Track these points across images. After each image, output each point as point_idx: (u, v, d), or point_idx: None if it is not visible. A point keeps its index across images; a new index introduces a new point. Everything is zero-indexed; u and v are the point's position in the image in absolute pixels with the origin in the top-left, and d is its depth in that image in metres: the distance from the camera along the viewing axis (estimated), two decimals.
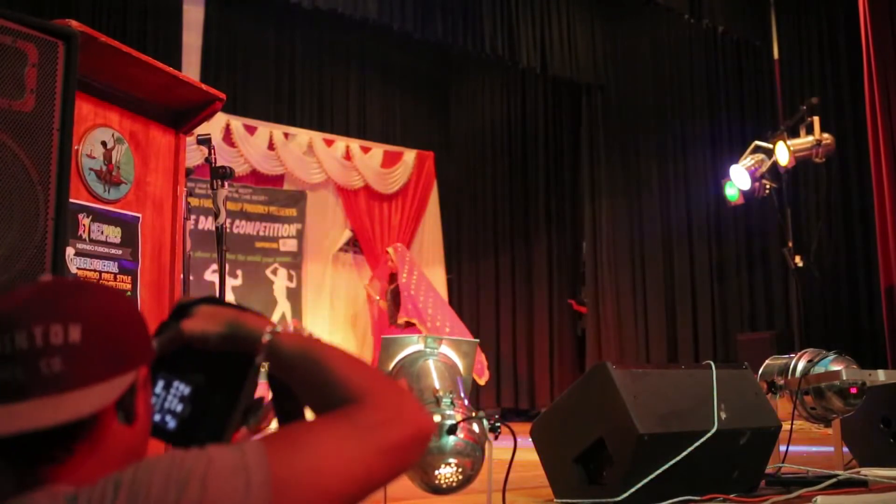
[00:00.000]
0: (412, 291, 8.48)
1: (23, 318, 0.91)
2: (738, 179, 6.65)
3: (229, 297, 8.67)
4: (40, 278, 1.00)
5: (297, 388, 1.10)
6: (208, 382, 1.16)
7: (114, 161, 2.53)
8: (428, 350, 3.09)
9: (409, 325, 8.30)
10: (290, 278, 9.41)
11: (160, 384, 1.15)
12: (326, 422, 0.98)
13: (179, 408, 1.15)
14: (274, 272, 9.33)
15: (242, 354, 1.12)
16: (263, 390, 1.19)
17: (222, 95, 2.82)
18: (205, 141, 3.09)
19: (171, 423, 1.14)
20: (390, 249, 9.15)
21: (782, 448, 3.48)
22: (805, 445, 4.66)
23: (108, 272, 2.49)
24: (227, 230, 4.10)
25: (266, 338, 1.10)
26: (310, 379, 1.06)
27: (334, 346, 1.09)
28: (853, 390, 3.50)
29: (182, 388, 1.15)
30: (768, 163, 6.52)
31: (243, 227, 9.17)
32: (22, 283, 1.01)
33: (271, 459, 0.91)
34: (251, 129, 9.24)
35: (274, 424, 1.16)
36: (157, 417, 1.14)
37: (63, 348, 0.91)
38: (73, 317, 0.92)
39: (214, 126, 8.45)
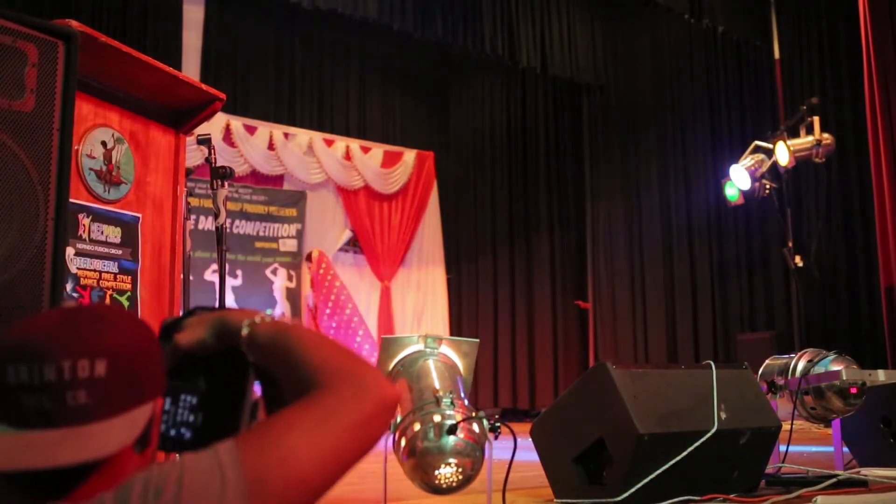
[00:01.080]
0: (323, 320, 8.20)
1: (52, 350, 0.94)
2: (738, 179, 6.65)
3: (229, 297, 8.67)
4: (65, 304, 1.02)
5: (277, 376, 1.12)
6: (213, 387, 1.19)
7: (114, 161, 2.53)
8: (428, 350, 3.09)
9: None
10: (290, 278, 9.40)
11: (167, 400, 1.17)
12: (294, 411, 1.00)
13: (191, 418, 1.18)
14: (274, 272, 9.33)
15: (238, 353, 1.15)
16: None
17: (222, 95, 2.82)
18: (205, 141, 3.08)
19: (187, 434, 1.17)
20: (315, 253, 8.55)
21: (782, 448, 3.48)
22: (805, 445, 4.66)
23: (108, 272, 2.49)
24: (227, 230, 4.09)
25: (245, 331, 1.13)
26: (283, 365, 1.09)
27: (305, 329, 1.12)
28: (853, 390, 3.50)
29: (189, 398, 1.18)
30: (768, 163, 6.52)
31: (243, 227, 9.17)
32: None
33: (244, 456, 0.93)
34: (251, 129, 9.24)
35: None
36: (172, 432, 1.17)
37: (89, 382, 0.94)
38: (99, 352, 0.96)
39: (214, 126, 8.45)
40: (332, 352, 1.08)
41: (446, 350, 3.15)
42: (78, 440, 0.92)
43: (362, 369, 1.05)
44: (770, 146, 6.50)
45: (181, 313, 1.25)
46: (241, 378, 1.18)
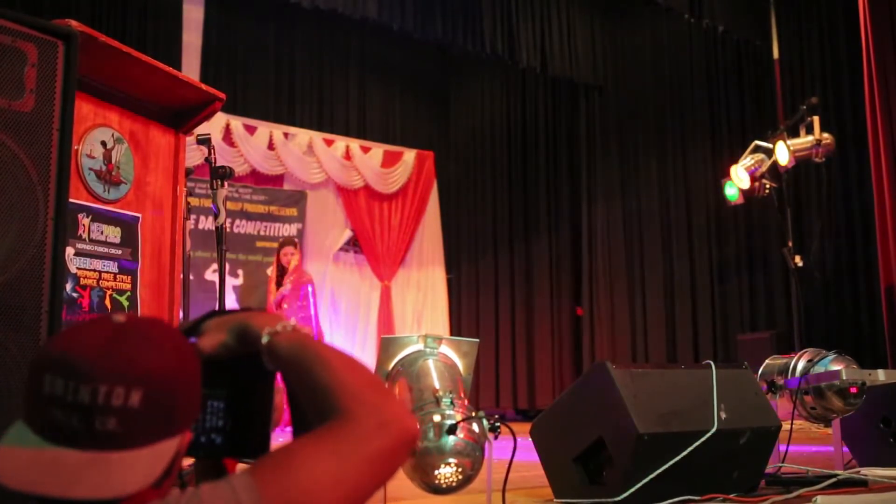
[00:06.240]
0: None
1: (91, 371, 0.93)
2: (738, 179, 6.66)
3: (230, 296, 8.67)
4: (115, 318, 1.00)
5: (296, 390, 1.11)
6: (238, 392, 1.19)
7: (114, 161, 2.53)
8: (428, 350, 3.09)
9: None
10: None
11: None
12: (312, 440, 0.99)
13: (220, 423, 1.18)
14: None
15: (260, 357, 1.13)
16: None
17: (222, 95, 2.82)
18: (205, 141, 3.09)
19: (218, 439, 1.18)
20: (289, 249, 7.85)
21: (782, 448, 3.48)
22: (805, 445, 4.67)
23: (108, 272, 2.49)
24: (228, 230, 4.10)
25: (264, 339, 1.10)
26: (302, 381, 1.07)
27: (327, 347, 1.09)
28: (853, 390, 3.49)
29: (217, 404, 1.18)
30: (768, 163, 6.53)
31: (244, 227, 9.17)
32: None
33: (261, 490, 0.92)
34: (251, 129, 9.24)
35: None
36: (203, 438, 1.17)
37: (121, 410, 0.93)
38: (137, 381, 0.94)
39: (214, 126, 8.45)
40: (354, 375, 1.04)
41: (446, 350, 3.15)
42: (99, 469, 0.91)
43: (385, 399, 1.03)
44: (770, 146, 6.51)
45: (180, 314, 1.25)
46: (265, 381, 1.17)
